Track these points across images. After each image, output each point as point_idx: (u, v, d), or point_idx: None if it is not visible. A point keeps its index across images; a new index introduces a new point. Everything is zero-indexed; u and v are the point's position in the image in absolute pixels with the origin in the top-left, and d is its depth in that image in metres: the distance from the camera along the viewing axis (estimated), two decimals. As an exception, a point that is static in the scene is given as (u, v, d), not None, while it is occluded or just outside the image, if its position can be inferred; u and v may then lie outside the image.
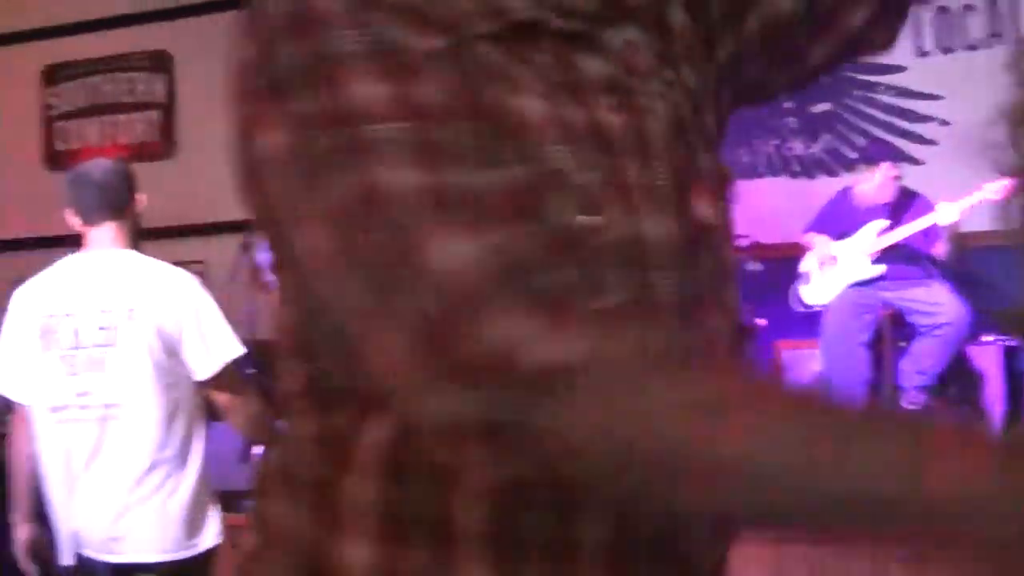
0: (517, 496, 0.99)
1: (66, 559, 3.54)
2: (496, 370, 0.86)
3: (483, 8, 0.97)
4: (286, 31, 0.93)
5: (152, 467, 3.49)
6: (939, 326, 6.34)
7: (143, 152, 8.73)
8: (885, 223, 6.64)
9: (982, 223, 6.26)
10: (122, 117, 8.90)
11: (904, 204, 6.68)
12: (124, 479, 3.48)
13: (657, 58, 1.07)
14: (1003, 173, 5.91)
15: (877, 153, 6.92)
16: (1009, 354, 6.39)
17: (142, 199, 3.81)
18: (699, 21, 1.15)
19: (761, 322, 6.81)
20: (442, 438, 0.97)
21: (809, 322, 6.82)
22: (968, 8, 7.23)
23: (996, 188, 6.14)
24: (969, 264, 6.49)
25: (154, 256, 3.74)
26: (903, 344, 6.58)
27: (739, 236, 5.79)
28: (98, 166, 3.78)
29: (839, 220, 6.77)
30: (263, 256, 6.62)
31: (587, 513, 1.01)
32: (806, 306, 6.86)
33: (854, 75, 7.33)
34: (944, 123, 7.17)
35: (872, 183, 6.73)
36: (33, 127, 9.14)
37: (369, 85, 0.89)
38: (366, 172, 0.88)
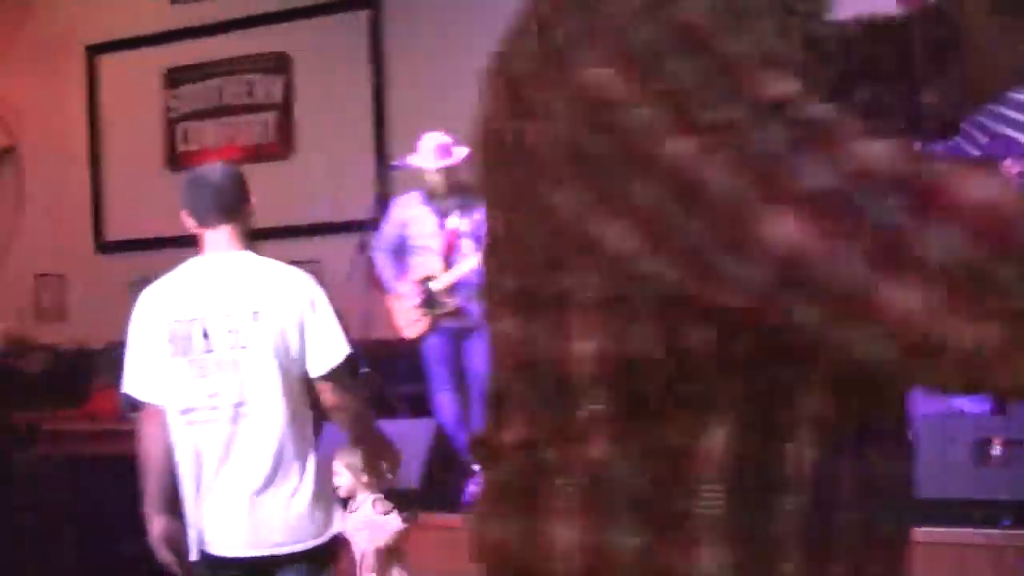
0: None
1: (193, 554, 3.64)
2: None
3: None
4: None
5: (279, 463, 3.60)
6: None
7: (261, 153, 8.84)
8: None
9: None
10: (240, 119, 9.01)
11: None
12: (253, 476, 3.60)
13: None
14: None
15: (1000, 149, 6.77)
16: None
17: (254, 202, 3.88)
18: None
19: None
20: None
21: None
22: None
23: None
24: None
25: (271, 256, 3.81)
26: None
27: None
28: (213, 170, 3.85)
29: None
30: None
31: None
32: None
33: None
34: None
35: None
36: (154, 129, 9.30)
37: None
38: None
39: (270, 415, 3.60)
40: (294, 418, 3.63)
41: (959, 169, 0.89)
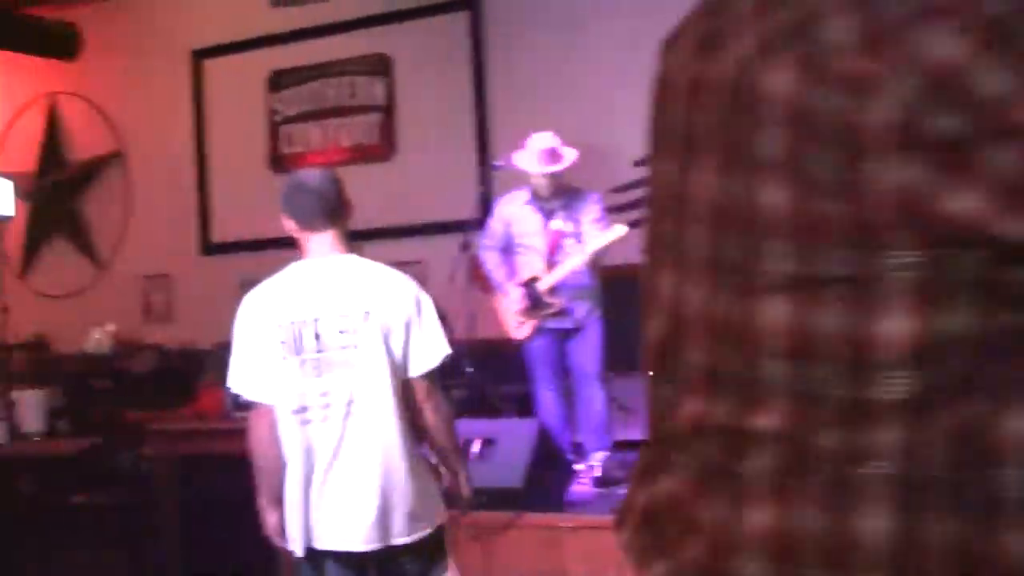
0: None
1: (299, 551, 3.72)
2: None
3: None
4: None
5: (390, 458, 3.71)
6: None
7: (364, 154, 8.90)
8: None
9: None
10: (343, 120, 9.07)
11: None
12: (366, 472, 3.70)
13: None
14: None
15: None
16: None
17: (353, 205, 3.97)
18: None
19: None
20: None
21: None
22: None
23: None
24: None
25: (375, 256, 3.87)
26: None
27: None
28: (314, 175, 3.94)
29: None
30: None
31: None
32: None
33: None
34: None
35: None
36: (258, 132, 9.40)
37: None
38: None
39: (381, 412, 3.71)
40: (402, 414, 3.74)
41: None
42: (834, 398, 1.04)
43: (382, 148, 8.89)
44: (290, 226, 3.86)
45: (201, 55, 9.65)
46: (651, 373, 1.23)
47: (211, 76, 9.66)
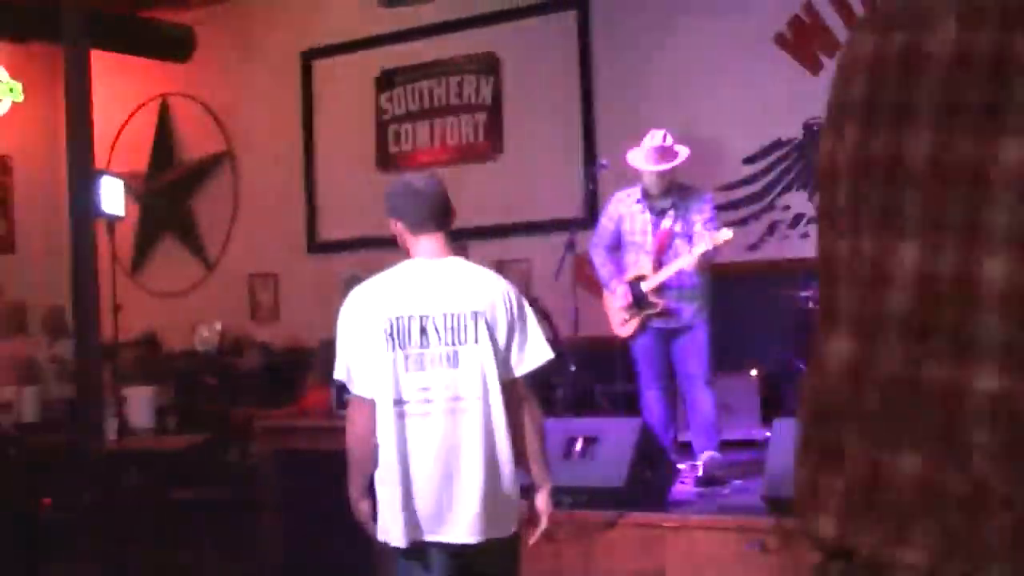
0: None
1: (401, 543, 3.75)
2: None
3: None
4: None
5: (490, 455, 3.76)
6: None
7: (471, 153, 8.91)
8: None
9: None
10: (451, 119, 9.09)
11: None
12: (466, 467, 3.75)
13: None
14: None
15: None
16: None
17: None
18: None
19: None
20: None
21: None
22: None
23: None
24: None
25: (481, 254, 3.89)
26: None
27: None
28: (423, 180, 4.03)
29: None
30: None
31: None
32: None
33: None
34: None
35: None
36: (367, 131, 9.45)
37: None
38: None
39: (484, 410, 3.76)
40: (502, 413, 3.78)
41: None
42: None
43: (489, 147, 8.90)
44: (398, 228, 3.93)
45: (310, 56, 9.74)
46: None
47: (320, 76, 9.75)
